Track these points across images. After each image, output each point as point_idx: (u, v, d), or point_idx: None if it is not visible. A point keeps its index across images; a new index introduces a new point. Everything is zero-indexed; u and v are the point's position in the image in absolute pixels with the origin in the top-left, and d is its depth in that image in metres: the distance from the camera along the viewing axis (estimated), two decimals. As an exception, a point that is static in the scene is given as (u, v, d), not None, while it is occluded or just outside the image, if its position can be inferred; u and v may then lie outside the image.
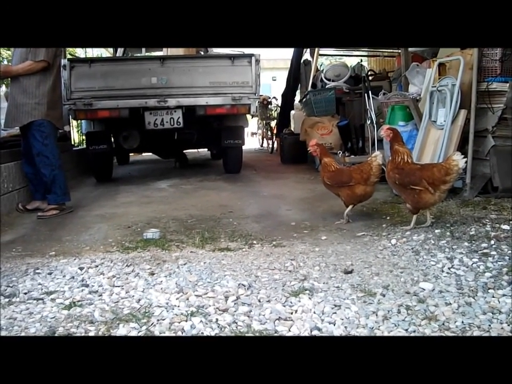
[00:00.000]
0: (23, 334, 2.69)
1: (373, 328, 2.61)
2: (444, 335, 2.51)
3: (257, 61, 8.03)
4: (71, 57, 10.82)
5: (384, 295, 3.04)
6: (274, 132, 14.52)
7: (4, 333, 2.73)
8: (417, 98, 7.06)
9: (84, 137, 11.07)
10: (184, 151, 10.58)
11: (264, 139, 16.88)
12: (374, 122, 7.58)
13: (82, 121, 9.52)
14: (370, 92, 7.91)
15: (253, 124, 17.00)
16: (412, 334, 2.53)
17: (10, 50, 10.75)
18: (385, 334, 2.55)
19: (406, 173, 4.51)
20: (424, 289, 3.11)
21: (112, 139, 9.00)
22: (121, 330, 2.66)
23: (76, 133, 12.42)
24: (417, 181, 4.41)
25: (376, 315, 2.76)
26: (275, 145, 14.52)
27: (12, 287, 3.49)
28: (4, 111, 6.83)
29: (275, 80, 26.17)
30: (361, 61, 13.45)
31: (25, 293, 3.34)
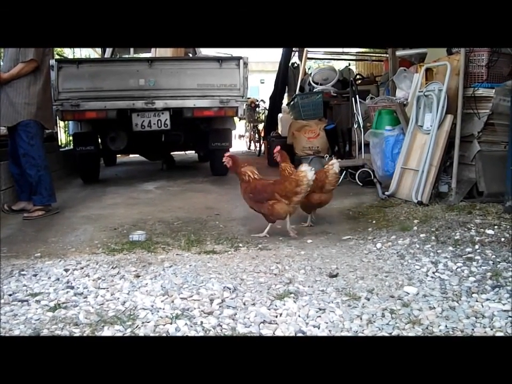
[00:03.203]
0: (7, 336, 2.69)
1: (357, 331, 2.64)
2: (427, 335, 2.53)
3: (245, 64, 8.04)
4: (58, 57, 10.77)
5: (368, 299, 3.06)
6: (262, 134, 14.52)
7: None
8: (404, 103, 7.09)
9: (71, 138, 11.03)
10: (171, 153, 10.58)
11: (252, 142, 16.88)
12: (361, 126, 7.61)
13: (70, 122, 9.48)
14: (357, 96, 7.95)
15: (240, 127, 17.00)
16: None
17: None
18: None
19: (258, 190, 4.72)
20: (409, 293, 3.13)
21: (99, 140, 8.97)
22: (106, 333, 2.66)
23: (63, 134, 12.36)
24: (270, 195, 4.62)
25: (361, 319, 2.78)
26: (262, 148, 14.52)
27: (-4, 288, 3.48)
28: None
29: (263, 82, 26.23)
30: (349, 65, 13.51)
31: (10, 295, 3.32)
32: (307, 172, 4.57)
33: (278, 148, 5.39)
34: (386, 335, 2.58)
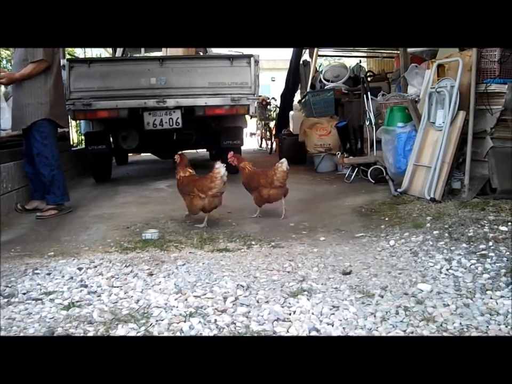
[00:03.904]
0: (21, 334, 2.70)
1: (371, 329, 2.62)
2: (441, 335, 2.52)
3: (256, 62, 8.03)
4: (70, 57, 10.80)
5: (382, 296, 3.05)
6: (273, 132, 14.51)
7: (3, 333, 2.73)
8: (416, 99, 7.06)
9: (82, 137, 11.07)
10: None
11: (263, 140, 16.87)
12: (373, 123, 7.59)
13: (81, 121, 9.50)
14: (369, 92, 7.92)
15: (251, 125, 16.98)
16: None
17: (9, 50, 10.74)
18: (383, 335, 2.56)
19: (184, 184, 5.31)
20: (422, 291, 3.12)
21: (111, 139, 8.99)
22: (120, 331, 2.67)
23: (75, 133, 12.41)
24: (191, 189, 5.14)
25: (375, 316, 2.77)
26: (274, 145, 14.52)
27: (10, 287, 3.50)
28: (4, 111, 6.85)
29: (274, 80, 26.13)
30: (360, 61, 13.45)
31: (24, 293, 3.35)
32: (220, 168, 5.06)
33: (231, 153, 5.88)
34: (401, 332, 2.57)
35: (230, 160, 5.75)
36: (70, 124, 10.48)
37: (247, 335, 2.59)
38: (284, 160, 5.50)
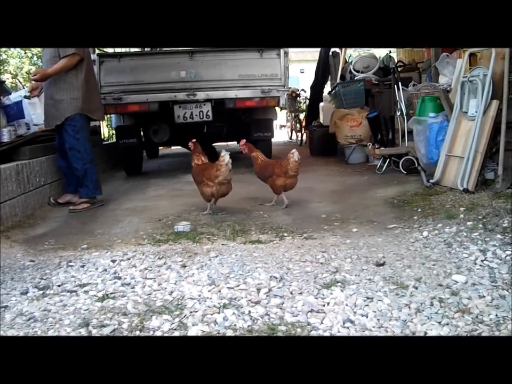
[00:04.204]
0: (57, 326, 2.73)
1: (405, 320, 2.61)
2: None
3: (286, 53, 8.02)
4: (100, 52, 10.87)
5: (416, 288, 3.03)
6: (303, 124, 14.48)
7: (38, 324, 2.76)
8: (448, 89, 6.98)
9: (113, 131, 11.14)
10: (213, 144, 10.59)
11: (293, 131, 16.84)
12: (404, 113, 7.52)
13: (112, 115, 9.57)
14: (400, 83, 7.86)
15: (281, 117, 16.95)
16: (445, 327, 2.52)
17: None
18: (418, 326, 2.54)
19: (195, 173, 5.54)
20: (457, 282, 3.08)
21: (142, 133, 9.04)
22: (154, 322, 2.69)
23: (106, 127, 12.49)
24: (200, 177, 5.38)
25: (409, 308, 2.75)
26: (304, 137, 14.48)
27: (45, 279, 3.55)
28: (35, 106, 6.91)
29: (303, 72, 26.14)
30: (390, 52, 13.34)
31: (59, 285, 3.39)
32: (225, 156, 5.16)
33: (243, 141, 6.00)
34: (436, 324, 2.55)
35: (241, 148, 5.95)
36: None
37: (282, 326, 2.58)
38: (294, 150, 5.62)
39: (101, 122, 10.83)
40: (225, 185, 5.28)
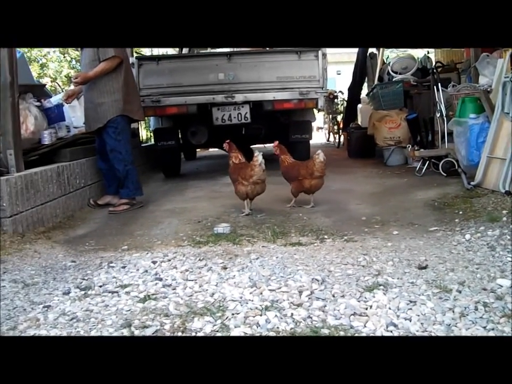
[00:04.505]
0: (99, 326, 2.74)
1: (450, 325, 2.57)
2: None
3: (324, 55, 7.97)
4: (138, 55, 10.96)
5: (460, 292, 2.98)
6: (341, 126, 14.43)
7: (81, 324, 2.78)
8: (489, 89, 6.89)
9: (151, 133, 11.20)
10: (251, 146, 10.60)
11: (331, 133, 16.80)
12: (444, 115, 7.45)
13: (151, 117, 9.63)
14: (439, 84, 7.78)
15: (319, 119, 16.91)
16: (491, 332, 2.47)
17: (78, 51, 10.96)
18: (463, 331, 2.50)
19: (231, 171, 5.69)
20: (502, 286, 3.03)
21: (180, 135, 9.08)
22: (196, 324, 2.69)
23: (144, 130, 12.58)
24: (235, 176, 5.54)
25: (453, 312, 2.71)
26: (342, 139, 14.42)
27: (87, 279, 3.58)
28: (75, 109, 6.98)
29: (339, 74, 26.06)
30: (428, 52, 13.23)
31: (100, 286, 3.41)
32: (258, 157, 5.35)
33: (276, 142, 6.04)
34: (481, 329, 2.51)
35: (274, 149, 6.05)
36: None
37: (324, 329, 2.56)
38: (319, 151, 5.70)
39: (139, 124, 10.92)
40: (259, 184, 5.38)
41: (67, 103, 6.56)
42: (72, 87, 7.58)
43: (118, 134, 6.02)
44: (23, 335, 2.69)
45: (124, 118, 6.10)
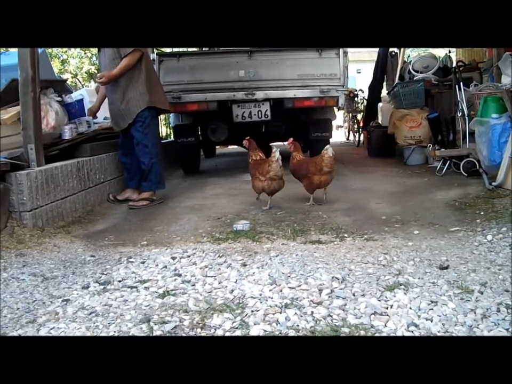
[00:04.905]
0: (118, 321, 2.74)
1: (471, 326, 2.54)
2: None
3: (345, 53, 7.95)
4: (159, 51, 10.97)
5: (482, 293, 2.95)
6: (361, 124, 14.38)
7: (100, 319, 2.78)
8: (511, 89, 6.83)
9: (171, 130, 11.22)
10: (271, 144, 10.58)
11: (351, 132, 16.74)
12: (466, 114, 7.39)
13: (171, 114, 9.65)
14: (461, 83, 7.72)
15: (339, 117, 16.86)
16: (513, 334, 2.44)
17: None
18: (485, 332, 2.47)
19: (251, 167, 5.83)
20: (524, 288, 2.99)
21: (200, 132, 9.08)
22: (216, 320, 2.68)
23: (164, 126, 12.60)
24: (253, 171, 5.68)
25: (475, 313, 2.68)
26: (361, 138, 14.37)
27: (106, 274, 3.58)
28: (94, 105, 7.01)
29: (360, 72, 25.92)
30: (449, 51, 13.14)
31: (120, 281, 3.41)
32: (276, 153, 5.44)
33: (291, 139, 6.08)
34: (503, 331, 2.47)
35: (288, 145, 6.10)
36: (159, 117, 10.65)
37: (344, 328, 2.54)
38: (328, 146, 5.76)
39: (159, 120, 10.94)
40: (276, 181, 5.46)
41: (94, 119, 6.66)
42: (93, 86, 7.62)
43: (146, 128, 6.06)
44: (42, 328, 2.70)
45: (151, 110, 6.13)
